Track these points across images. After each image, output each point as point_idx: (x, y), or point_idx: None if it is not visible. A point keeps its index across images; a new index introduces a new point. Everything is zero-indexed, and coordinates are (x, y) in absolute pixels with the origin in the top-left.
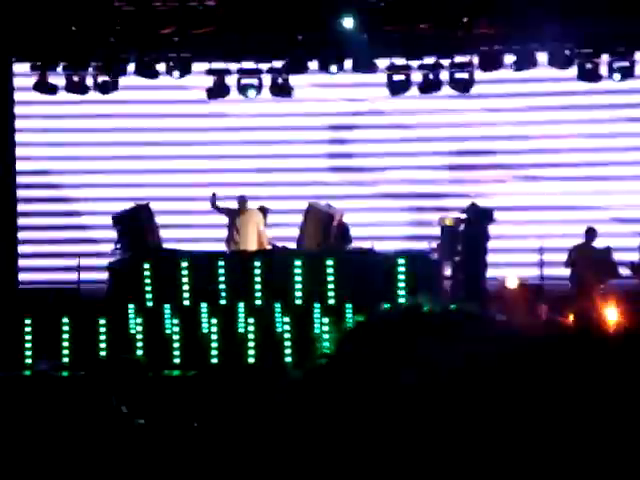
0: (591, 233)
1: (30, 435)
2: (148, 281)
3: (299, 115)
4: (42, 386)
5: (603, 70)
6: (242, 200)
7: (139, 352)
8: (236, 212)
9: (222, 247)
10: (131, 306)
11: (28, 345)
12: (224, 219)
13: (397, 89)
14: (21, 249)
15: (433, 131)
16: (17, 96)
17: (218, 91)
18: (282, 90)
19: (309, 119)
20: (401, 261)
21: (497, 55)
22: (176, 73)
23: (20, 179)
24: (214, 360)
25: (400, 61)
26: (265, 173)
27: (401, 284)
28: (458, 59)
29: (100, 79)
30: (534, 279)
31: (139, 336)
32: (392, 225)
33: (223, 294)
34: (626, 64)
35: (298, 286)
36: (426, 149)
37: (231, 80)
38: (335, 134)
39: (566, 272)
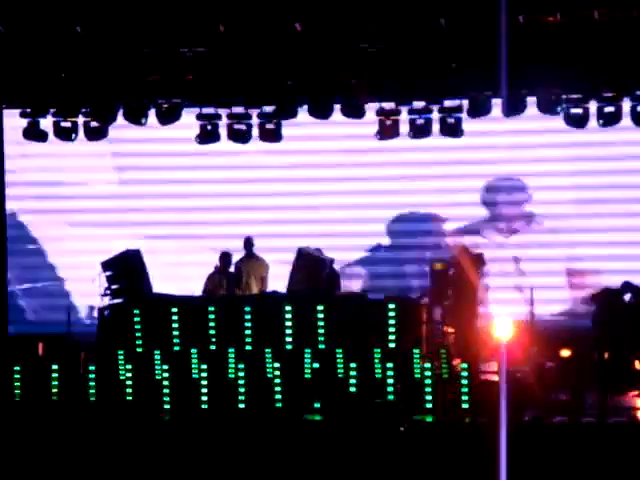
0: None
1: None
2: (138, 327)
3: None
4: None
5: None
6: (249, 243)
7: (129, 397)
8: (242, 258)
9: None
10: (121, 352)
11: (17, 392)
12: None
13: (387, 134)
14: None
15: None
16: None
17: (208, 137)
18: (271, 135)
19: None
20: (391, 306)
21: (486, 100)
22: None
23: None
24: (204, 405)
25: (389, 105)
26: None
27: (391, 329)
28: (448, 104)
29: (90, 125)
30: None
31: (129, 382)
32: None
33: (213, 339)
34: (612, 109)
35: (288, 331)
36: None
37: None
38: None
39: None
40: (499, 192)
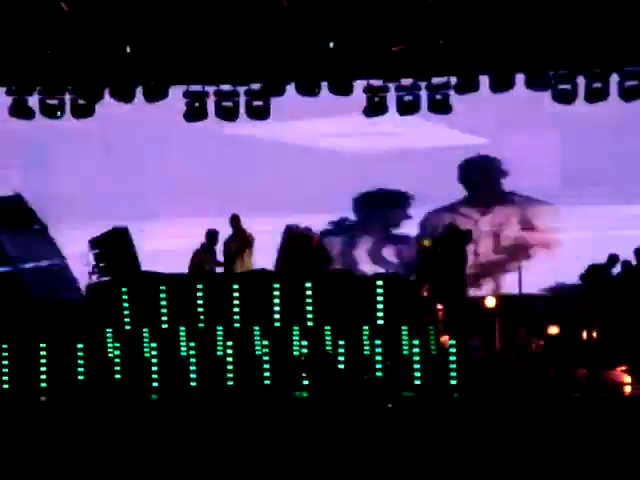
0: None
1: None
2: (126, 304)
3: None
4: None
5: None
6: (235, 220)
7: (117, 376)
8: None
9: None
10: (109, 329)
11: (5, 371)
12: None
13: (375, 111)
14: None
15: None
16: None
17: (196, 114)
18: (259, 112)
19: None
20: (379, 282)
21: (474, 77)
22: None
23: None
24: (193, 383)
25: (377, 82)
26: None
27: (379, 306)
28: (435, 81)
29: (77, 102)
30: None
31: (117, 360)
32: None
33: (202, 317)
34: (599, 85)
35: (277, 308)
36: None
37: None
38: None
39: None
40: (476, 170)
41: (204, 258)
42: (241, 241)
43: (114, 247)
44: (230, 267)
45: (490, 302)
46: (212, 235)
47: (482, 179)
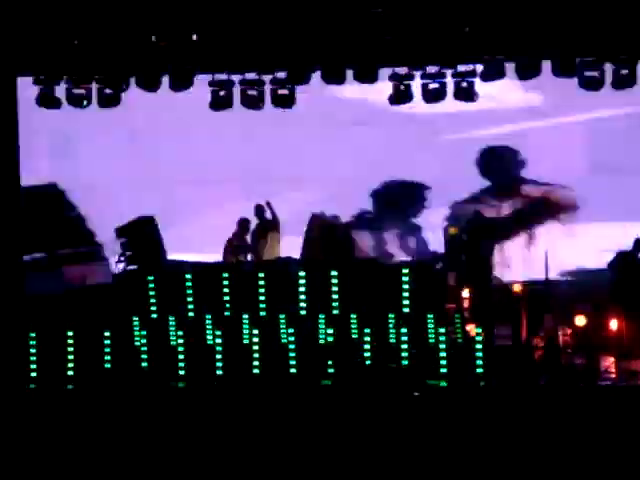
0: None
1: (34, 448)
2: (153, 293)
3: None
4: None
5: None
6: (259, 210)
7: (144, 364)
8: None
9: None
10: (135, 318)
11: (33, 359)
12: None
13: (400, 98)
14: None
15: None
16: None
17: (221, 103)
18: (285, 100)
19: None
20: (405, 271)
21: (500, 64)
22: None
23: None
24: (219, 372)
25: (402, 70)
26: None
27: (405, 294)
28: (461, 68)
29: (103, 92)
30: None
31: (143, 348)
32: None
33: (227, 305)
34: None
35: (302, 297)
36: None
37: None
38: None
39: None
40: (493, 160)
41: (237, 247)
42: (266, 228)
43: (140, 236)
44: (258, 255)
45: (517, 288)
46: (244, 224)
47: (500, 168)
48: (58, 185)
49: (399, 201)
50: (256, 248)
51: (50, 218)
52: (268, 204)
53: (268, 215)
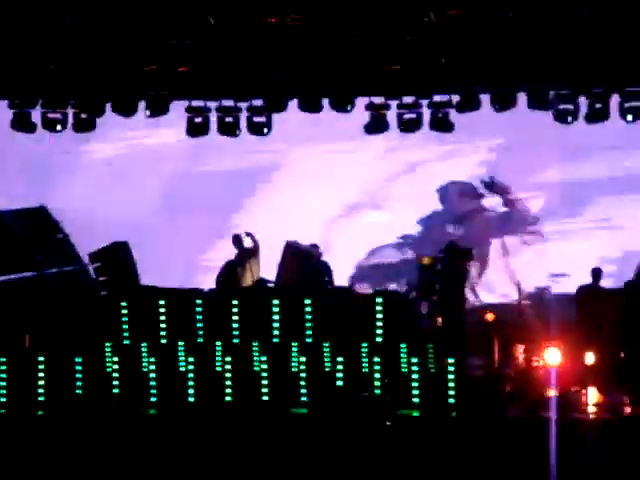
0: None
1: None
2: (125, 319)
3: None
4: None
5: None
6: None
7: (115, 390)
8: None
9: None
10: (108, 344)
11: (3, 384)
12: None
13: (376, 128)
14: None
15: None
16: None
17: (198, 129)
18: (261, 128)
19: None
20: (379, 300)
21: (475, 95)
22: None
23: None
24: (191, 399)
25: (378, 100)
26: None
27: (378, 322)
28: (437, 98)
29: (79, 117)
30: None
31: (115, 374)
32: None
33: (200, 332)
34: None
35: (276, 325)
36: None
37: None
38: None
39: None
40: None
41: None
42: (244, 257)
43: (114, 261)
44: (238, 284)
45: (489, 317)
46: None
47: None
48: (47, 208)
49: None
50: (236, 277)
51: (39, 239)
52: (248, 234)
53: (246, 243)
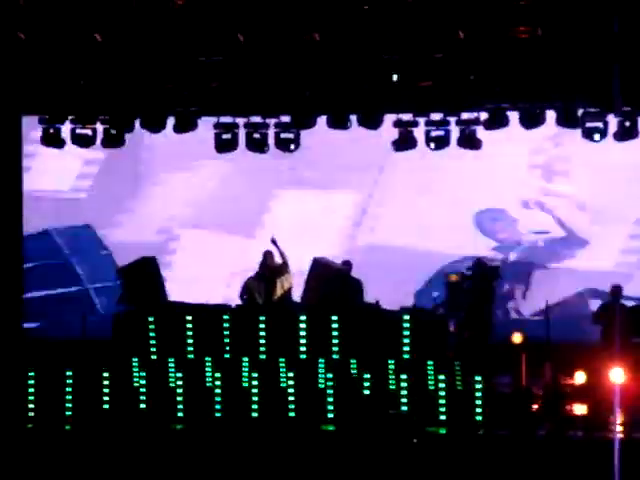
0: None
1: None
2: (153, 334)
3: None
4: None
5: None
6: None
7: (142, 405)
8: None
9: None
10: (135, 359)
11: (31, 398)
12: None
13: (404, 144)
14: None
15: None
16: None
17: (226, 145)
18: (288, 144)
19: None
20: (406, 317)
21: (503, 113)
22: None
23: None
24: (218, 414)
25: (407, 117)
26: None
27: (406, 340)
28: (465, 116)
29: (109, 132)
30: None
31: (142, 389)
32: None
33: (227, 348)
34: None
35: (303, 341)
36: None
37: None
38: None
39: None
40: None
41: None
42: (274, 274)
43: (141, 276)
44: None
45: (517, 338)
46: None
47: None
48: (91, 226)
49: None
50: (268, 295)
51: (84, 255)
52: (274, 242)
53: (276, 259)
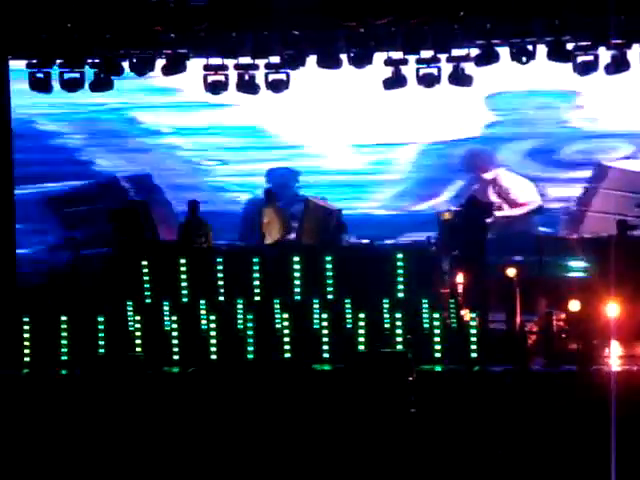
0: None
1: (28, 433)
2: (147, 277)
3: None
4: (40, 385)
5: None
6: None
7: (138, 349)
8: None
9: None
10: (129, 303)
11: (26, 344)
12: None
13: (393, 83)
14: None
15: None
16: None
17: (216, 87)
18: (279, 85)
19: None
20: (399, 255)
21: (493, 49)
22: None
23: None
24: (213, 356)
25: (397, 55)
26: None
27: (400, 278)
28: (455, 53)
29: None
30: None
31: (138, 333)
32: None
33: (221, 290)
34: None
35: (297, 282)
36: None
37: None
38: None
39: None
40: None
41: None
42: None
43: (133, 220)
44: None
45: (510, 272)
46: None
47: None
48: (151, 175)
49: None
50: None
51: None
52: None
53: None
